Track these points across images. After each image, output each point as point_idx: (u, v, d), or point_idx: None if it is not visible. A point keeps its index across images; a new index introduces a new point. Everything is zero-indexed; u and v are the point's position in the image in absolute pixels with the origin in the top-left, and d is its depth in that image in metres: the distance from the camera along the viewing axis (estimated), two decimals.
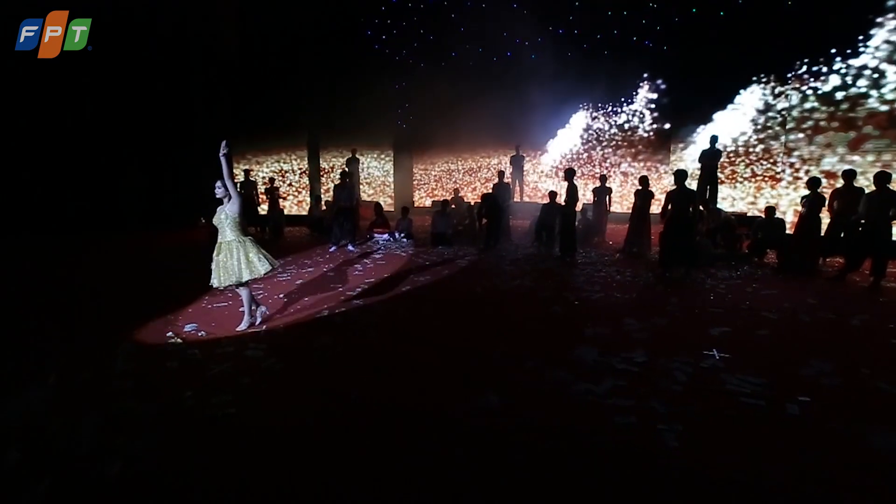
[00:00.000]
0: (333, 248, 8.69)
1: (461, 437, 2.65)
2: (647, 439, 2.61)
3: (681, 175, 6.41)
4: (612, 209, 10.05)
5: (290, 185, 14.27)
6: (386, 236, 9.69)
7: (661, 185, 11.95)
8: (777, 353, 3.84)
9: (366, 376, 3.46)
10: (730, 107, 10.85)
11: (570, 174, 7.74)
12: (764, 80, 10.43)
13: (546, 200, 9.12)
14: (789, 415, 2.87)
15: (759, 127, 10.62)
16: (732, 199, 10.98)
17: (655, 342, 4.05)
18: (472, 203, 11.20)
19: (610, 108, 12.97)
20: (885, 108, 8.68)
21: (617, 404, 2.98)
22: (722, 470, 2.35)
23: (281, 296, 5.61)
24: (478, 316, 4.90)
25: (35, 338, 4.32)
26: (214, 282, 4.23)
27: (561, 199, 8.63)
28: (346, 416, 2.92)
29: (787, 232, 7.75)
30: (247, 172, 11.87)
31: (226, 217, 4.23)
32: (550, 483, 2.27)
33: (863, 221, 6.12)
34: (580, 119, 13.25)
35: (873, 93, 8.84)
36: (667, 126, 12.18)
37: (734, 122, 10.85)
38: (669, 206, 6.45)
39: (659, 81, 12.19)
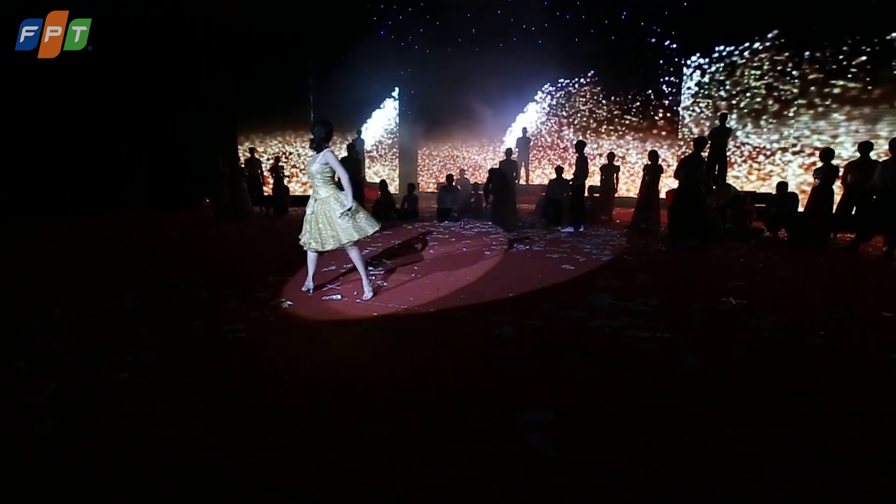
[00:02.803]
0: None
1: (475, 357, 2.60)
2: (666, 360, 2.55)
3: (699, 142, 6.31)
4: (619, 192, 9.98)
5: (293, 166, 14.21)
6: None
7: (670, 171, 11.86)
8: (794, 301, 3.77)
9: (377, 309, 3.40)
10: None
11: (580, 146, 7.67)
12: (777, 59, 10.34)
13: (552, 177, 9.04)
14: (811, 344, 2.80)
15: (769, 106, 10.52)
16: (741, 178, 10.89)
17: (669, 291, 3.98)
18: (477, 182, 11.14)
19: (618, 93, 12.88)
20: None
21: (635, 335, 2.91)
22: (745, 383, 2.29)
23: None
24: (486, 273, 4.82)
25: (50, 290, 4.28)
26: (308, 241, 3.63)
27: (568, 174, 8.57)
28: (358, 339, 2.87)
29: (800, 209, 7.66)
30: (252, 151, 11.81)
31: (318, 168, 3.55)
32: (566, 390, 2.21)
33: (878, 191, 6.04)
34: (586, 104, 13.17)
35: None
36: (670, 109, 12.10)
37: (742, 103, 10.75)
38: (682, 173, 6.36)
39: (667, 65, 12.11)
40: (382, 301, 3.68)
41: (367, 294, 3.71)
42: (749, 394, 2.19)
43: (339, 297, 3.77)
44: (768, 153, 10.50)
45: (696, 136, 6.55)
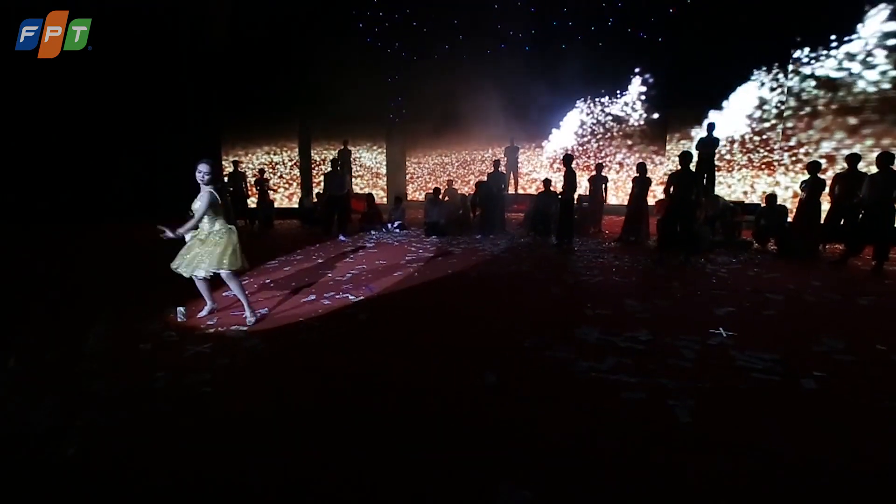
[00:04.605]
0: (343, 238, 8.46)
1: (456, 415, 2.44)
2: (657, 414, 2.42)
3: (685, 157, 6.23)
4: (608, 200, 9.92)
5: (280, 177, 13.97)
6: (378, 233, 9.38)
7: (657, 176, 11.84)
8: (786, 331, 3.67)
9: (354, 356, 3.23)
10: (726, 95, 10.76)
11: (567, 160, 7.58)
12: (762, 67, 10.35)
13: (540, 189, 8.94)
14: (806, 389, 2.69)
15: (756, 115, 10.53)
16: (728, 185, 10.89)
17: (659, 322, 3.86)
18: (466, 194, 11.00)
19: (605, 99, 12.85)
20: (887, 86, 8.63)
21: (623, 381, 2.78)
22: (741, 445, 2.16)
23: (268, 281, 5.36)
24: (472, 300, 4.69)
25: (11, 325, 4.05)
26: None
27: (556, 187, 8.47)
28: (332, 395, 2.70)
29: (789, 220, 7.62)
30: (236, 164, 11.56)
31: None
32: (552, 454, 2.07)
33: (866, 204, 6.01)
34: (575, 110, 13.11)
35: (869, 77, 8.78)
36: (658, 116, 12.08)
37: (731, 110, 10.75)
38: (672, 189, 6.27)
39: (654, 72, 12.08)
40: (347, 344, 3.52)
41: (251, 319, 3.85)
42: (744, 456, 2.06)
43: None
44: (753, 171, 10.54)
45: (683, 150, 6.46)
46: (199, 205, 3.64)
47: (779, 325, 3.85)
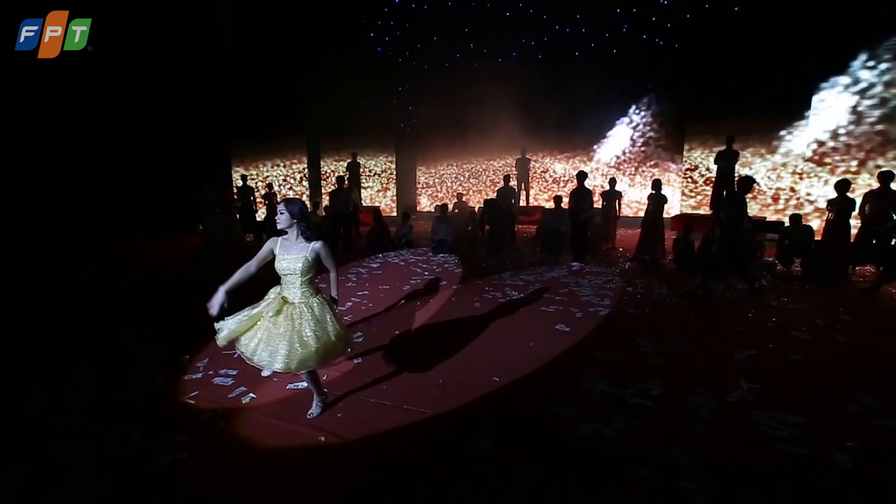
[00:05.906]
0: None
1: (445, 490, 2.23)
2: (668, 499, 2.16)
3: (745, 182, 5.78)
4: (622, 213, 9.59)
5: (290, 188, 13.96)
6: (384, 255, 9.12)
7: (674, 187, 11.45)
8: (815, 385, 3.35)
9: (341, 416, 3.04)
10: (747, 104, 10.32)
11: (581, 177, 7.30)
12: (780, 74, 9.89)
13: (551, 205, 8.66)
14: (839, 467, 2.40)
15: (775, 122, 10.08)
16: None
17: (673, 369, 3.58)
18: (476, 208, 10.76)
19: (619, 109, 12.48)
20: None
21: (631, 452, 2.53)
22: None
23: None
24: (473, 337, 4.45)
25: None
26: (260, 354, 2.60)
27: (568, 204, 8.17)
28: (314, 462, 2.51)
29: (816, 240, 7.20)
30: (244, 178, 11.57)
31: (306, 266, 2.69)
32: None
33: None
34: (588, 119, 12.76)
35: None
36: (674, 126, 11.67)
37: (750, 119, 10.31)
38: (721, 214, 5.84)
39: (671, 79, 11.68)
40: (350, 388, 3.33)
41: (315, 410, 2.97)
42: None
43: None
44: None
45: (744, 175, 6.04)
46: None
47: (806, 373, 3.53)
